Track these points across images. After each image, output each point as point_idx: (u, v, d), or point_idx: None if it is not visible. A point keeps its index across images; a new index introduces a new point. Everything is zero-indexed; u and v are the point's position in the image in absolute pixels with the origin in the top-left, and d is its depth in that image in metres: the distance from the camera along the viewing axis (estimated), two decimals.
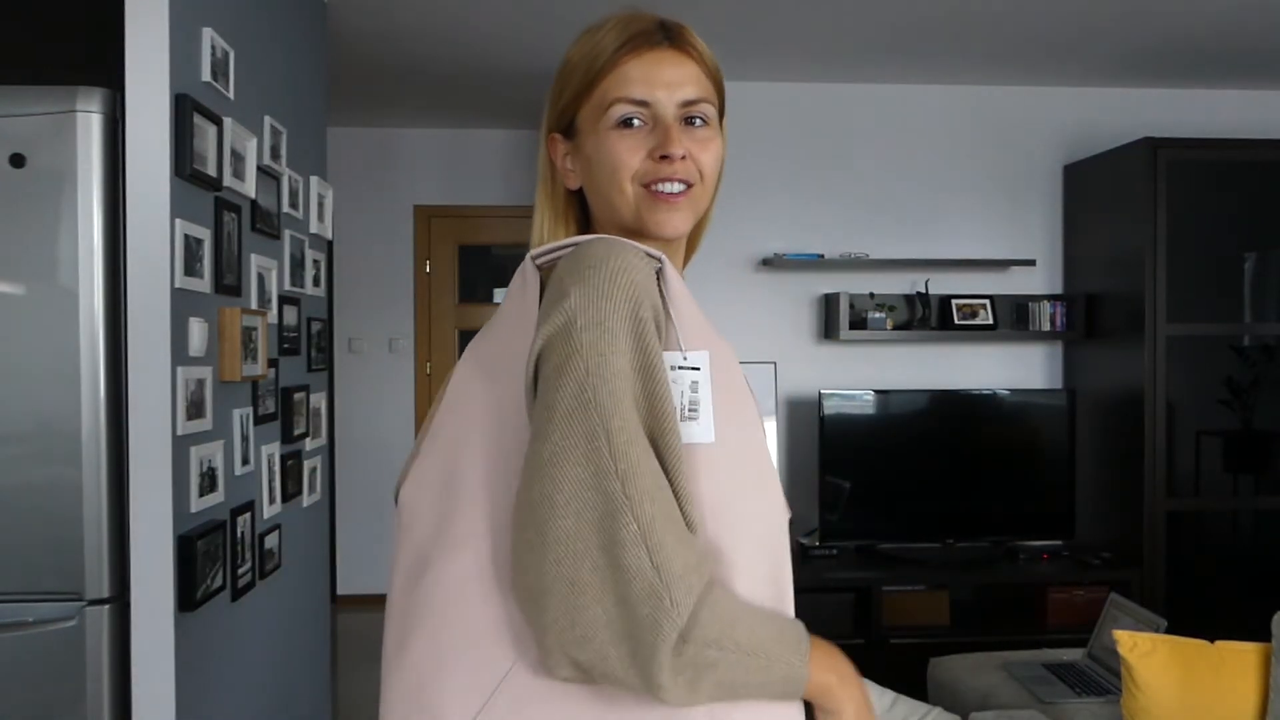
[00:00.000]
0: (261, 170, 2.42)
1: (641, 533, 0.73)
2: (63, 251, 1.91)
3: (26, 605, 1.89)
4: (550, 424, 0.76)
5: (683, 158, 0.94)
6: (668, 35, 0.97)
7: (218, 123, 2.15)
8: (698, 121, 0.97)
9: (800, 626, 0.84)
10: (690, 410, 0.83)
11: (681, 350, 0.84)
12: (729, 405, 0.85)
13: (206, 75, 2.12)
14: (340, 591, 5.12)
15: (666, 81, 0.95)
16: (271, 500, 2.53)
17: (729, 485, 0.83)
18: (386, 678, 0.87)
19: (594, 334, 0.78)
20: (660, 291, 0.85)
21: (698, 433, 0.83)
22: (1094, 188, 4.08)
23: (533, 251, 0.92)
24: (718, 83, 1.01)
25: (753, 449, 0.87)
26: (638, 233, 0.96)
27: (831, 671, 0.85)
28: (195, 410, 2.06)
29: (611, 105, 0.95)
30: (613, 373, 0.77)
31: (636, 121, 0.95)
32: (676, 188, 0.95)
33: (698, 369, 0.84)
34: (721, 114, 1.02)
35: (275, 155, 2.54)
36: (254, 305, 2.39)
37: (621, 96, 0.94)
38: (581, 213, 1.04)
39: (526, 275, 0.91)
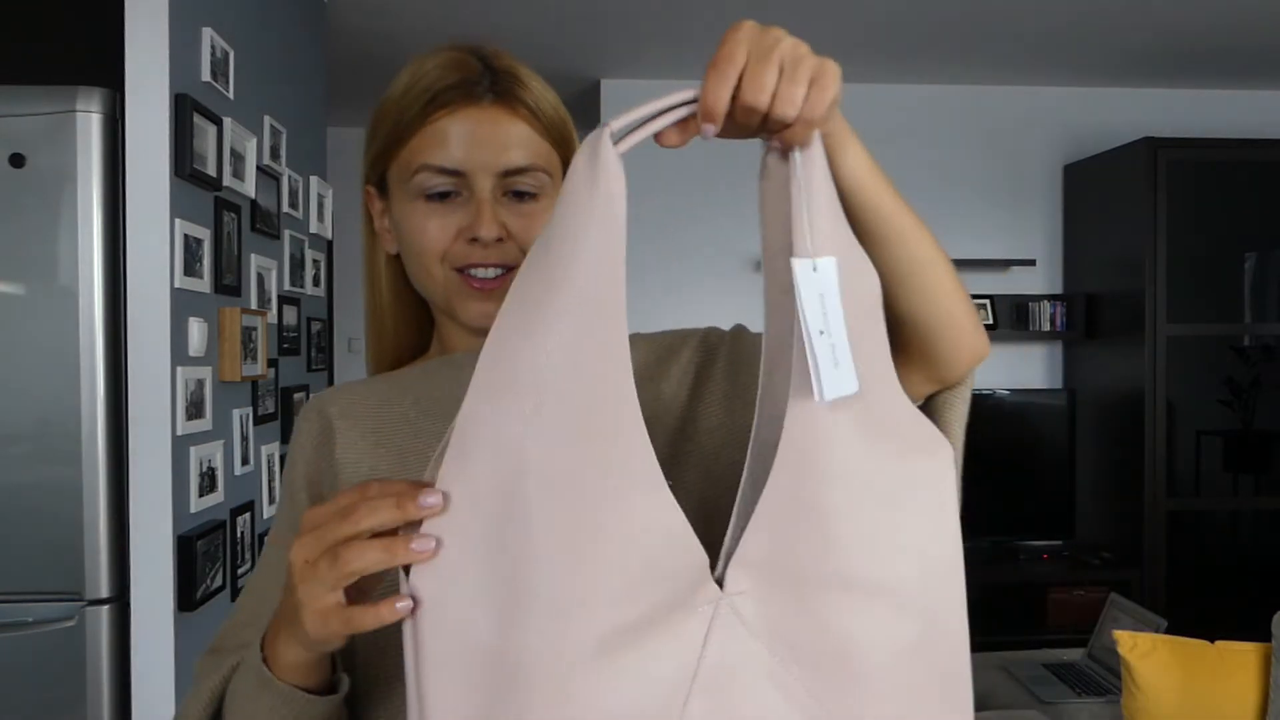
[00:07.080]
0: (261, 170, 2.42)
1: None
2: (63, 251, 1.91)
3: (26, 605, 1.89)
4: None
5: (499, 240, 0.79)
6: (494, 87, 0.80)
7: (217, 123, 2.15)
8: (525, 193, 0.81)
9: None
10: None
11: None
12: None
13: (206, 75, 2.12)
14: None
15: (485, 146, 0.79)
16: (272, 500, 2.53)
17: None
18: None
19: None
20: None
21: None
22: (1094, 188, 4.08)
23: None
24: (560, 138, 0.83)
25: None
26: (453, 317, 0.83)
27: (277, 631, 0.69)
28: (195, 410, 2.06)
29: (417, 172, 0.79)
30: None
31: (447, 192, 0.79)
32: (491, 273, 0.80)
33: None
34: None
35: (275, 155, 2.54)
36: (254, 305, 2.39)
37: (428, 164, 0.79)
38: (406, 281, 0.87)
39: None
